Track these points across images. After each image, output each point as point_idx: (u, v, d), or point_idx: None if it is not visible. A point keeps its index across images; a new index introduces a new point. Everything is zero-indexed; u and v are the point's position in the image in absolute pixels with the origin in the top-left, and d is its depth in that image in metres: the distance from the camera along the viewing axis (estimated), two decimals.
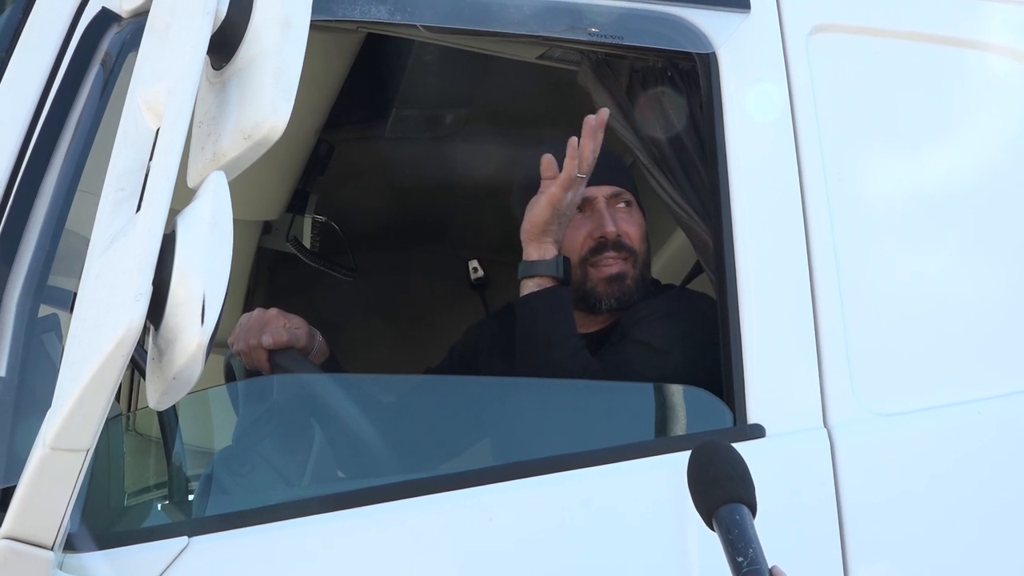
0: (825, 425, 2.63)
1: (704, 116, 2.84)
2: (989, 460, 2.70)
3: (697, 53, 2.82)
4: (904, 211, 2.83)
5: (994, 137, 2.94)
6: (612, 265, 3.20)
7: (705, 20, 2.82)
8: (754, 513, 2.05)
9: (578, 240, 3.20)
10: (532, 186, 3.24)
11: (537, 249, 3.07)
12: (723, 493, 2.06)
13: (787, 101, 2.81)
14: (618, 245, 3.19)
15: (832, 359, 2.67)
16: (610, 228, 3.18)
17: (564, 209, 3.04)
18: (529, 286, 3.07)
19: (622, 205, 3.24)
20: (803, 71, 2.83)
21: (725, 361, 2.66)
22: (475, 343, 3.36)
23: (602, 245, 3.19)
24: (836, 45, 2.88)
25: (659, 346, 3.03)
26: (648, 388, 2.86)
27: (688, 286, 3.47)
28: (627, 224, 3.22)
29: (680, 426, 2.84)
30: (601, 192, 3.22)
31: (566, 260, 3.08)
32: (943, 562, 2.62)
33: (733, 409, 2.63)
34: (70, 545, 2.24)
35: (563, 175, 2.98)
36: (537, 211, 3.05)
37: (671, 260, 4.12)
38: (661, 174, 3.06)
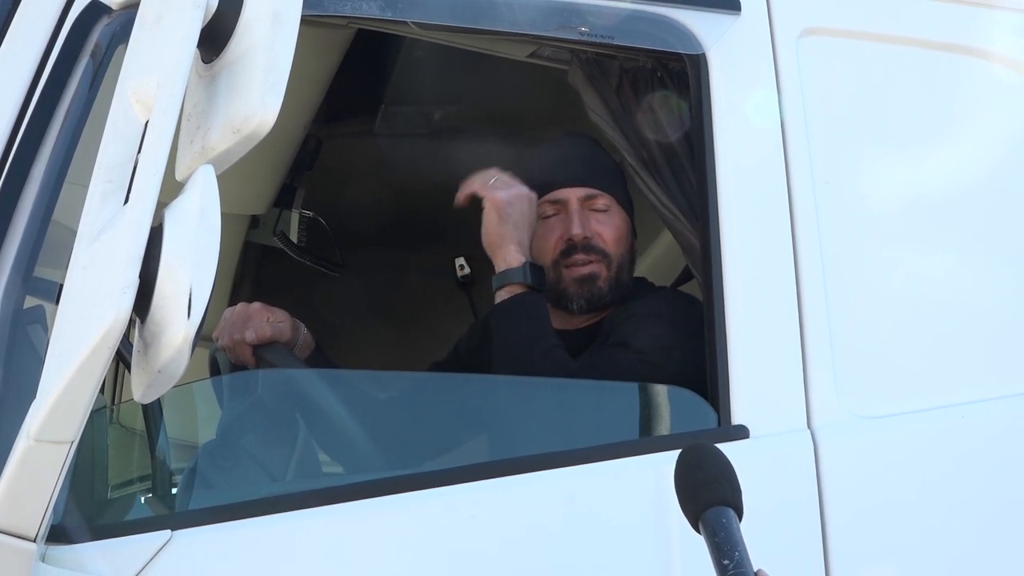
0: (809, 427, 2.64)
1: (693, 117, 2.84)
2: (972, 464, 2.71)
3: (687, 54, 2.83)
4: (891, 214, 2.84)
5: (982, 142, 2.94)
6: (583, 267, 3.20)
7: (695, 21, 2.82)
8: (740, 517, 2.05)
9: (550, 243, 3.22)
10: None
11: (503, 259, 3.10)
12: (710, 496, 2.05)
13: (776, 103, 2.81)
14: (587, 247, 3.20)
15: (817, 361, 2.67)
16: (576, 231, 3.19)
17: (517, 216, 3.10)
18: (501, 295, 3.11)
19: (597, 208, 3.24)
20: (792, 73, 2.84)
21: (710, 362, 2.67)
22: (480, 339, 3.36)
23: (571, 248, 3.20)
24: (826, 48, 2.89)
25: (639, 347, 3.03)
26: (633, 388, 2.86)
27: (681, 287, 3.47)
28: (600, 226, 3.22)
29: (664, 426, 2.84)
30: (574, 194, 3.23)
31: (536, 266, 3.11)
32: (925, 565, 2.62)
33: (717, 410, 2.64)
34: (53, 537, 2.23)
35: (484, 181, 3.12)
36: (487, 221, 3.12)
37: (658, 261, 4.12)
38: (649, 175, 3.06)
